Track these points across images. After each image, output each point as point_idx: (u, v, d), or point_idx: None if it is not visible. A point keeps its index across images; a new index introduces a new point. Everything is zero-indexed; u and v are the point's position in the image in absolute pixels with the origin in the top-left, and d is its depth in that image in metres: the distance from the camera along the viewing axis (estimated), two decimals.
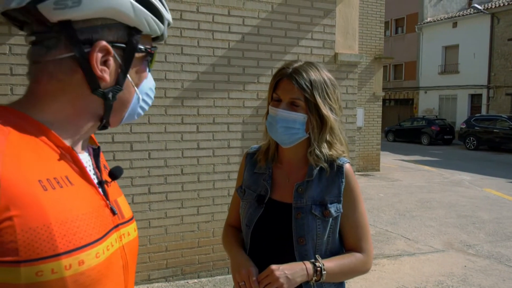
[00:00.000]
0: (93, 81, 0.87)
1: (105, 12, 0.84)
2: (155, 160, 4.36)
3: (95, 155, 1.01)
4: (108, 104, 0.92)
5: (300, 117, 1.55)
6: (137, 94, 0.97)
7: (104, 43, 0.86)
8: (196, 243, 4.61)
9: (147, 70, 0.99)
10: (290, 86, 1.55)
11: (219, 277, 4.71)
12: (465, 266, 5.58)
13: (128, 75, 0.93)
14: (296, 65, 1.59)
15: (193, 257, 4.61)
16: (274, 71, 4.67)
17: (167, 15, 0.97)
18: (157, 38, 1.02)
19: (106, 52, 0.87)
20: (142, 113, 1.02)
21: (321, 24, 4.94)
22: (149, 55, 0.97)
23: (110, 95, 0.90)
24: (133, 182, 4.27)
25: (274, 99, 1.62)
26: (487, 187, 11.37)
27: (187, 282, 4.56)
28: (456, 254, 6.07)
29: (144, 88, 0.99)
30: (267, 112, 1.65)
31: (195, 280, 4.61)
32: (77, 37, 0.84)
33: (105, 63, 0.87)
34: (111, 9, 0.85)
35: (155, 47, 0.99)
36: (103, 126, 0.97)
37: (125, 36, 0.90)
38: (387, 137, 27.09)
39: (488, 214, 8.39)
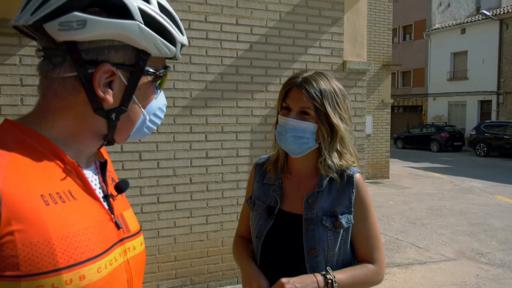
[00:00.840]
0: (95, 101, 0.87)
1: (111, 34, 0.84)
2: (164, 170, 4.36)
3: (102, 168, 1.01)
4: (111, 124, 0.91)
5: (310, 126, 1.54)
6: (143, 115, 0.95)
7: (107, 65, 0.85)
8: (205, 253, 4.59)
9: (157, 91, 0.98)
10: (300, 95, 1.55)
11: (228, 287, 4.68)
12: (478, 275, 5.50)
13: (134, 97, 0.91)
14: (306, 74, 1.58)
15: (202, 267, 4.59)
16: (283, 79, 4.70)
17: (180, 38, 0.94)
18: (171, 58, 1.00)
19: (111, 74, 0.86)
20: (148, 132, 1.00)
21: (329, 32, 4.93)
22: (158, 78, 0.95)
23: (113, 116, 0.89)
24: (142, 191, 4.26)
25: (283, 108, 1.61)
26: (498, 194, 11.25)
27: None
28: (468, 262, 6.00)
29: (152, 108, 0.97)
30: (277, 122, 1.65)
31: None
32: (81, 58, 0.84)
33: (109, 84, 0.87)
34: (117, 32, 0.84)
35: (166, 67, 0.98)
36: (109, 142, 0.96)
37: (133, 58, 0.88)
38: (396, 144, 26.96)
39: (500, 221, 8.29)
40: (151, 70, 0.91)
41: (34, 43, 3.38)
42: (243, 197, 4.65)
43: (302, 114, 1.55)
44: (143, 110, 0.94)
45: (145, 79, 0.92)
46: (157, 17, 0.88)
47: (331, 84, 1.58)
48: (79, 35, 0.81)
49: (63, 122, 0.87)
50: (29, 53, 3.75)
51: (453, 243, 6.89)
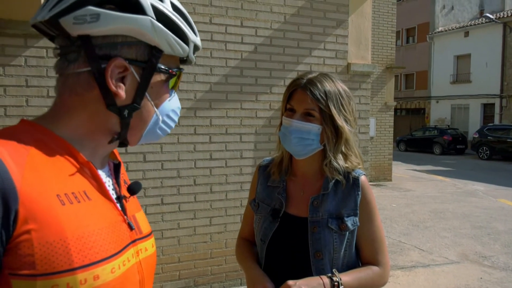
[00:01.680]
0: (108, 96, 0.87)
1: (124, 29, 0.85)
2: (168, 171, 4.36)
3: (116, 170, 1.02)
4: (124, 122, 0.91)
5: (314, 128, 1.54)
6: (156, 115, 0.95)
7: (120, 59, 0.86)
8: (209, 254, 4.59)
9: (170, 91, 0.98)
10: (304, 97, 1.54)
11: None
12: (481, 278, 5.49)
13: (147, 94, 0.91)
14: (310, 76, 1.58)
15: (206, 268, 4.59)
16: (287, 81, 4.71)
17: (193, 37, 0.95)
18: (186, 61, 1.00)
19: (124, 69, 0.87)
20: (162, 134, 1.00)
21: (334, 35, 4.93)
22: (171, 77, 0.95)
23: (125, 112, 0.90)
24: (146, 193, 4.27)
25: (288, 110, 1.60)
26: (501, 197, 11.22)
27: None
28: (471, 265, 5.98)
29: (165, 109, 0.97)
30: (281, 123, 1.64)
31: None
32: (95, 52, 0.85)
33: (122, 79, 0.88)
34: (130, 27, 0.85)
35: (180, 68, 0.98)
36: (122, 143, 0.97)
37: (145, 54, 0.89)
38: (398, 147, 26.92)
39: (503, 225, 8.27)
40: (163, 67, 0.92)
41: (40, 44, 3.40)
42: (247, 199, 4.65)
43: (307, 116, 1.55)
44: (156, 109, 0.94)
45: (158, 76, 0.92)
46: (170, 14, 0.89)
47: (336, 86, 1.57)
48: (92, 29, 0.83)
49: (78, 120, 0.88)
50: (34, 54, 3.76)
51: (456, 246, 6.87)
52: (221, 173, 4.59)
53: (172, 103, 0.99)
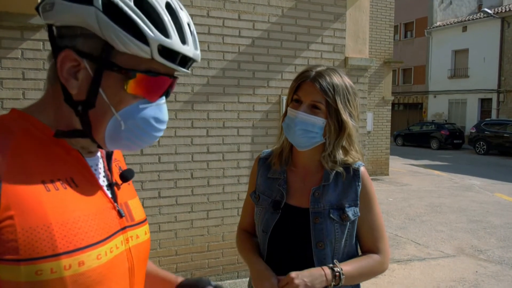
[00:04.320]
0: (65, 89, 0.85)
1: (75, 20, 0.81)
2: (165, 164, 4.37)
3: (108, 157, 1.01)
4: (81, 119, 0.86)
5: (319, 121, 1.55)
6: (116, 118, 0.86)
7: (69, 51, 0.82)
8: (206, 247, 4.61)
9: (144, 100, 0.88)
10: (312, 89, 1.55)
11: (228, 281, 4.69)
12: (477, 271, 5.52)
13: (102, 92, 0.84)
14: (319, 69, 1.59)
15: (203, 261, 4.61)
16: (284, 75, 4.71)
17: (155, 37, 0.81)
18: (176, 70, 0.90)
19: (77, 63, 0.83)
20: (132, 144, 0.91)
21: (332, 28, 4.93)
22: (128, 77, 0.84)
23: (79, 108, 0.85)
24: (143, 186, 4.27)
25: (294, 101, 1.61)
26: (498, 192, 11.27)
27: None
28: (467, 259, 6.02)
29: (131, 115, 0.86)
30: (285, 114, 1.64)
31: None
32: (55, 43, 0.85)
33: (75, 73, 0.84)
34: (79, 18, 0.80)
35: (150, 72, 0.85)
36: (99, 145, 0.92)
37: (99, 49, 0.82)
38: (396, 141, 26.96)
39: (499, 219, 8.31)
40: (116, 66, 0.83)
41: (36, 36, 3.39)
42: (244, 192, 4.66)
43: (313, 108, 1.56)
44: (114, 111, 0.85)
45: (115, 75, 0.83)
46: (123, 6, 0.80)
47: (344, 81, 1.59)
48: (50, 18, 0.83)
49: (52, 109, 0.89)
50: (31, 47, 3.75)
51: (452, 240, 6.91)
52: (218, 166, 4.60)
53: (148, 111, 0.88)
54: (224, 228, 4.65)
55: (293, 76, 4.91)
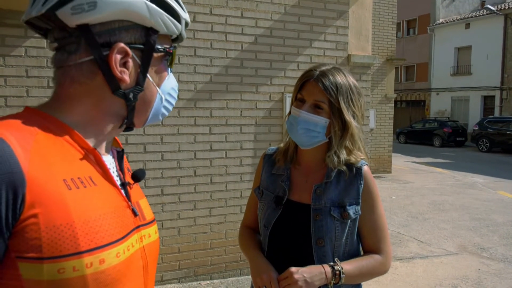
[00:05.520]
0: (113, 82, 0.89)
1: (120, 14, 0.86)
2: (168, 162, 4.38)
3: (119, 157, 1.03)
4: (130, 105, 0.93)
5: (322, 121, 1.55)
6: (159, 94, 0.98)
7: (122, 45, 0.87)
8: (209, 245, 4.62)
9: (168, 70, 1.00)
10: (315, 88, 1.56)
11: (231, 278, 4.71)
12: (479, 269, 5.52)
13: (148, 75, 0.94)
14: (323, 68, 1.59)
15: (206, 259, 4.62)
16: (287, 72, 4.71)
17: (184, 15, 0.98)
18: (176, 39, 1.03)
19: (125, 54, 0.89)
20: (166, 113, 1.02)
21: (334, 26, 4.92)
22: (168, 55, 0.97)
23: (131, 96, 0.92)
24: (147, 183, 4.28)
25: (297, 100, 1.62)
26: (500, 189, 11.25)
27: (200, 284, 4.57)
28: (470, 257, 6.02)
29: (166, 88, 0.99)
30: (289, 112, 1.65)
31: (208, 282, 4.62)
32: (95, 40, 0.86)
33: (124, 64, 0.89)
34: (126, 11, 0.86)
35: (174, 47, 1.00)
36: (128, 127, 0.98)
37: (143, 37, 0.91)
38: (398, 139, 26.92)
39: (502, 217, 8.30)
40: (160, 47, 0.94)
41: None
42: (247, 189, 4.70)
43: (316, 108, 1.56)
44: (158, 89, 0.97)
45: (156, 56, 0.94)
46: None
47: (348, 80, 1.59)
48: (91, 17, 0.84)
49: (83, 107, 0.89)
50: (34, 45, 3.76)
51: (455, 238, 6.90)
52: (221, 164, 4.61)
53: (171, 81, 1.02)
54: (227, 226, 4.67)
55: (296, 74, 4.93)
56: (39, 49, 3.76)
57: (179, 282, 4.53)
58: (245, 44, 4.58)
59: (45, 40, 3.81)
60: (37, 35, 3.77)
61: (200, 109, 4.45)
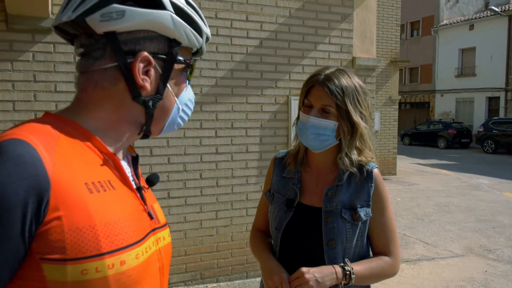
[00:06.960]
0: (134, 89, 0.92)
1: (146, 24, 0.90)
2: (175, 165, 4.40)
3: (134, 162, 1.06)
4: (149, 113, 0.96)
5: (330, 124, 1.57)
6: (177, 104, 1.01)
7: (145, 54, 0.91)
8: (215, 248, 4.63)
9: (187, 82, 1.04)
10: (321, 93, 1.58)
11: (238, 281, 4.72)
12: (486, 271, 5.51)
13: (168, 85, 0.97)
14: (328, 72, 1.61)
15: (212, 262, 4.63)
16: (292, 75, 4.73)
17: (206, 29, 1.01)
18: (197, 53, 1.07)
19: (148, 63, 0.92)
20: (181, 123, 1.06)
21: (339, 29, 4.94)
22: (188, 67, 1.01)
23: (150, 103, 0.95)
24: (153, 187, 4.29)
25: (305, 105, 1.64)
26: (506, 191, 11.21)
27: (206, 286, 4.58)
28: (476, 259, 6.00)
29: (184, 99, 1.03)
30: (298, 117, 1.68)
31: (214, 284, 4.63)
32: (121, 48, 0.89)
33: (146, 73, 0.92)
34: (152, 22, 0.90)
35: (194, 59, 1.03)
36: (145, 135, 1.01)
37: (166, 47, 0.94)
38: (403, 140, 26.87)
39: (508, 218, 8.27)
40: (182, 59, 0.98)
41: (47, 39, 3.41)
42: (253, 192, 4.71)
43: (324, 112, 1.58)
44: (176, 99, 1.00)
45: (177, 67, 0.98)
46: (185, 8, 0.96)
47: (353, 81, 1.61)
48: (118, 25, 0.88)
49: (103, 112, 0.92)
50: (42, 50, 3.79)
51: (461, 240, 6.89)
52: (227, 167, 4.62)
53: (189, 93, 1.05)
54: (233, 228, 4.68)
55: (301, 77, 4.94)
56: (46, 54, 3.79)
57: (185, 285, 4.54)
58: (250, 47, 4.60)
59: (52, 45, 3.85)
60: (44, 40, 3.82)
61: (206, 113, 4.47)
